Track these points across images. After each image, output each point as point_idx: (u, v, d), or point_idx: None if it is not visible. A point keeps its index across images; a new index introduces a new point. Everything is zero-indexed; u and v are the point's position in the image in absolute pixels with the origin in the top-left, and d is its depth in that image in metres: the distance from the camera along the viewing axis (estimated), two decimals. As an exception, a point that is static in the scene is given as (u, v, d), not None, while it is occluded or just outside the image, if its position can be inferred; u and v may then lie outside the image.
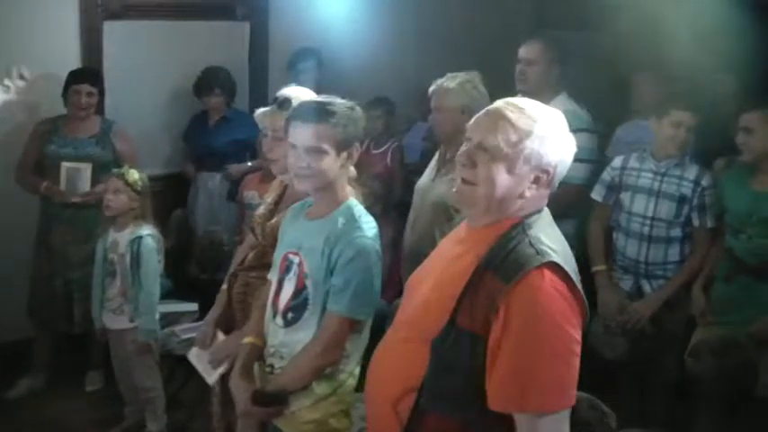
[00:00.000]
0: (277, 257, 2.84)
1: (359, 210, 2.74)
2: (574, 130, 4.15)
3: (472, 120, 2.14)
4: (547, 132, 2.07)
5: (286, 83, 4.03)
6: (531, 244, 2.00)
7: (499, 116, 2.07)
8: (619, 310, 4.00)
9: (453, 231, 2.33)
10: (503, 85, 4.33)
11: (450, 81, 3.75)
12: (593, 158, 4.24)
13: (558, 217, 4.07)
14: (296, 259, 2.73)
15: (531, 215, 2.09)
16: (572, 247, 4.15)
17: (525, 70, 4.31)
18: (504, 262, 1.98)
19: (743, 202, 3.74)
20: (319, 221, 2.72)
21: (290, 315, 2.73)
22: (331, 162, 2.65)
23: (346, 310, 2.64)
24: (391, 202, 5.08)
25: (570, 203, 4.14)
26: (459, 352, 1.97)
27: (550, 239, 2.05)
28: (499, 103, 2.13)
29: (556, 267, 1.97)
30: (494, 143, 2.03)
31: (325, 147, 2.63)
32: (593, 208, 4.21)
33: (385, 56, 6.04)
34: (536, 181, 2.07)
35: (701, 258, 3.93)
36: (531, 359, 1.90)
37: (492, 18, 6.65)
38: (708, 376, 3.71)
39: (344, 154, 2.68)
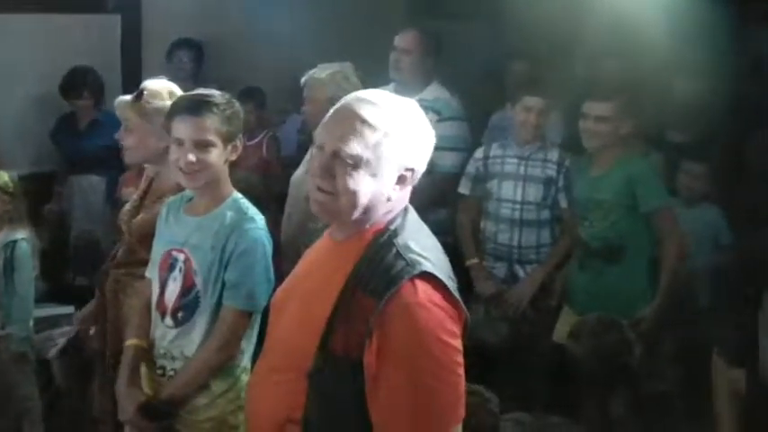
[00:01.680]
0: (156, 255, 2.79)
1: (245, 202, 2.74)
2: (445, 119, 4.30)
3: (321, 124, 1.95)
4: (407, 127, 1.90)
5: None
6: (400, 254, 1.84)
7: (352, 117, 1.87)
8: (498, 298, 4.07)
9: (317, 242, 2.13)
10: (377, 74, 4.37)
11: (320, 72, 3.74)
12: (464, 146, 4.31)
13: (431, 206, 4.19)
14: (181, 256, 2.69)
15: (395, 219, 1.93)
16: (447, 234, 4.26)
17: (400, 59, 4.33)
18: (373, 277, 1.82)
19: (583, 188, 3.87)
20: (206, 217, 2.69)
21: (180, 314, 2.69)
22: (218, 155, 2.65)
23: (243, 303, 2.63)
24: (270, 194, 5.03)
25: (442, 192, 4.23)
26: (339, 381, 1.83)
27: (420, 244, 1.89)
28: (350, 101, 1.93)
29: (429, 277, 1.83)
30: (352, 150, 1.83)
31: (213, 139, 2.63)
32: (461, 202, 4.26)
33: (260, 46, 5.98)
34: (401, 181, 1.91)
35: (572, 238, 4.02)
36: (417, 380, 1.77)
37: (366, 7, 6.66)
38: (588, 356, 3.80)
39: (230, 147, 2.68)
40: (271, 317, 2.11)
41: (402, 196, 1.95)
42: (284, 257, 3.66)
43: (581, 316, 3.82)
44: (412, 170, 1.92)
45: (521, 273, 4.08)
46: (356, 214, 1.89)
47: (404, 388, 1.77)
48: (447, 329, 1.81)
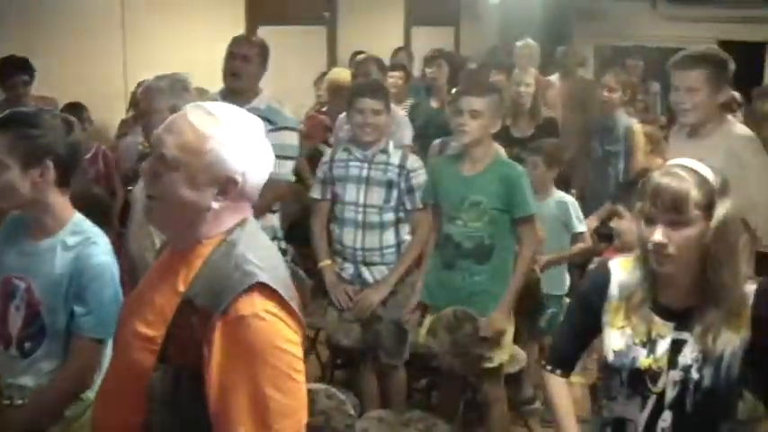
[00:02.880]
0: None
1: (87, 225, 2.61)
2: (278, 128, 4.31)
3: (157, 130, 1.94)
4: (231, 136, 1.88)
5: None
6: (237, 265, 1.85)
7: (181, 121, 1.89)
8: (350, 299, 4.05)
9: (163, 253, 2.13)
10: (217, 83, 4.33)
11: (158, 81, 3.64)
12: (296, 154, 4.34)
13: (266, 213, 4.17)
14: (22, 285, 2.55)
15: (233, 230, 1.93)
16: (279, 239, 4.27)
17: (239, 66, 4.28)
18: (210, 289, 1.84)
19: (454, 188, 3.85)
20: (45, 242, 2.56)
21: (26, 345, 2.56)
22: (15, 178, 2.47)
23: (94, 331, 2.53)
24: (113, 207, 4.89)
25: (276, 199, 4.26)
26: (177, 389, 1.83)
27: (258, 255, 1.89)
28: (187, 107, 1.95)
29: (264, 287, 1.83)
30: (171, 152, 1.85)
31: (5, 160, 2.47)
32: (313, 206, 4.26)
33: (95, 62, 5.83)
34: (223, 192, 1.89)
35: (420, 239, 4.03)
36: (255, 389, 1.78)
37: (206, 15, 6.60)
38: (444, 351, 3.85)
39: (35, 171, 2.49)
40: (118, 325, 2.08)
41: (233, 207, 1.93)
42: (130, 272, 3.56)
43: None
44: (235, 182, 1.89)
45: (366, 274, 4.05)
46: (177, 222, 1.91)
47: (243, 397, 1.78)
48: (284, 337, 1.83)
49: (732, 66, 3.61)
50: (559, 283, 4.61)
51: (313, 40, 7.91)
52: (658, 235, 2.15)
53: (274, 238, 4.32)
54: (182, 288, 1.87)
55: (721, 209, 2.13)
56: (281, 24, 6.72)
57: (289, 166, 4.23)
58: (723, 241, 2.13)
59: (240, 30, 6.71)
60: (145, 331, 1.89)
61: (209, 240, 1.91)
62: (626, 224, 3.42)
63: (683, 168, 2.17)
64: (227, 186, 1.88)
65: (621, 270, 2.38)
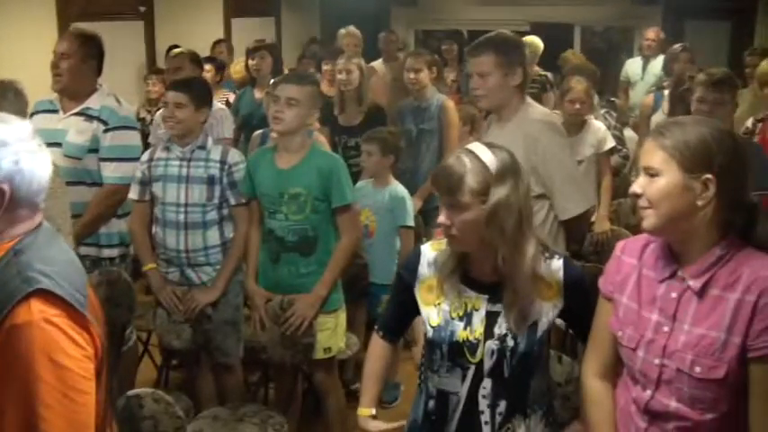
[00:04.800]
0: None
1: None
2: (112, 128, 4.17)
3: None
4: None
5: None
6: (18, 273, 1.76)
7: None
8: (178, 300, 3.95)
9: None
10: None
11: (4, 89, 3.52)
12: (134, 156, 4.16)
13: (107, 219, 4.03)
14: None
15: (21, 240, 1.85)
16: (127, 245, 4.10)
17: (58, 65, 4.11)
18: None
19: (272, 182, 3.81)
20: None
21: None
22: None
23: None
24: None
25: (117, 204, 4.15)
26: None
27: (46, 262, 1.82)
28: None
29: (47, 294, 1.75)
30: None
31: None
32: (132, 208, 4.11)
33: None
34: None
35: (242, 236, 3.97)
36: (26, 407, 1.68)
37: (17, 11, 6.35)
38: (273, 343, 3.85)
39: None
40: None
41: (11, 218, 1.85)
42: None
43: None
44: (2, 192, 1.81)
45: (193, 276, 3.98)
46: None
47: (14, 417, 1.68)
48: (62, 351, 1.74)
49: (524, 48, 3.68)
50: (387, 273, 4.63)
51: (130, 35, 7.73)
52: (442, 216, 2.31)
53: (121, 243, 4.21)
54: None
55: (494, 196, 2.25)
56: (96, 20, 6.53)
57: (129, 168, 4.09)
58: (494, 226, 2.26)
59: (53, 26, 6.51)
60: None
61: None
62: None
63: (468, 154, 2.30)
64: None
65: (432, 251, 2.50)
